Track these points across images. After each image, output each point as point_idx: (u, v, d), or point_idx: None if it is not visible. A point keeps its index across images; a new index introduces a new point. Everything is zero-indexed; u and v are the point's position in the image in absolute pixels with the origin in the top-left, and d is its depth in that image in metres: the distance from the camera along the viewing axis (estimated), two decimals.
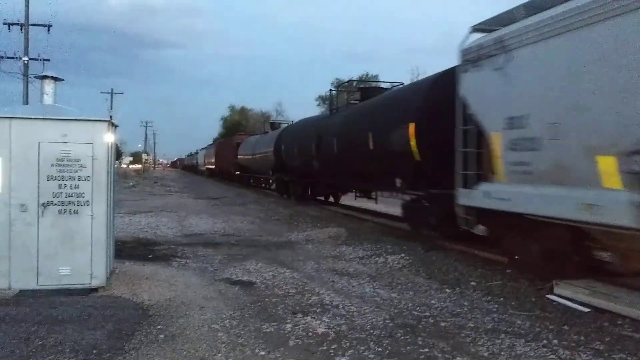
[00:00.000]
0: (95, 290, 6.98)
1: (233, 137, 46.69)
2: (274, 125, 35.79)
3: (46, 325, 5.55)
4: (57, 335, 5.26)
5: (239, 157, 38.26)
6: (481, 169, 8.73)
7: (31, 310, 6.09)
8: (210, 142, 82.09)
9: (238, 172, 40.09)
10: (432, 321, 6.17)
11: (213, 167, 54.71)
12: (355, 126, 15.32)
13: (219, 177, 52.56)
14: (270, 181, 33.26)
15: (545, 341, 5.48)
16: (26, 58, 30.18)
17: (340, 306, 6.69)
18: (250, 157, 34.10)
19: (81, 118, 7.13)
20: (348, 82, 21.75)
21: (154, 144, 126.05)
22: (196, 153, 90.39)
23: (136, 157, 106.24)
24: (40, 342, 5.06)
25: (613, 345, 5.38)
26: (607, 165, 6.18)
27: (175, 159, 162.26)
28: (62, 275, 6.89)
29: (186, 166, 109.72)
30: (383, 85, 19.47)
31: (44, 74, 7.75)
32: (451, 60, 9.90)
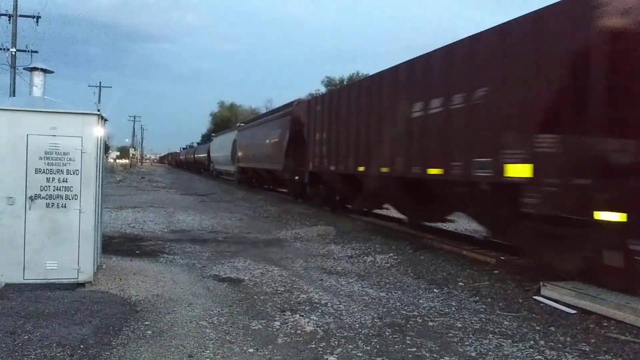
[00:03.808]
0: (82, 285, 6.92)
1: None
2: None
3: (32, 320, 5.49)
4: (43, 330, 5.21)
5: None
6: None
7: (17, 304, 6.02)
8: (199, 140, 73.96)
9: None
10: (420, 321, 6.20)
11: (273, 167, 23.59)
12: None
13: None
14: None
15: (532, 342, 5.52)
16: (14, 49, 29.87)
17: (329, 305, 6.69)
18: None
19: (71, 111, 7.05)
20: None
21: (142, 139, 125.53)
22: (202, 144, 67.20)
23: (123, 152, 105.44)
24: (26, 337, 5.01)
25: (599, 346, 5.43)
26: None
27: (166, 153, 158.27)
28: (49, 269, 6.81)
29: (181, 163, 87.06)
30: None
31: (33, 65, 7.65)
32: None
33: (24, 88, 28.64)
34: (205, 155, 53.62)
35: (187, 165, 76.72)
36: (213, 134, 59.16)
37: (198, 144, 75.23)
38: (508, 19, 8.51)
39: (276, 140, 22.68)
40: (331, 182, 17.18)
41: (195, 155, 65.38)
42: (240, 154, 32.66)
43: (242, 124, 37.30)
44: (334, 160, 15.65)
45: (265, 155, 24.54)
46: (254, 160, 28.17)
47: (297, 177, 20.15)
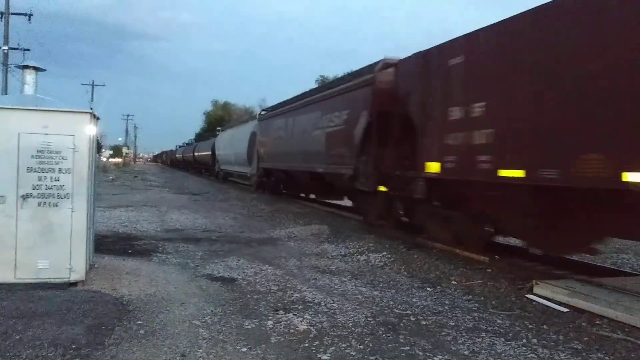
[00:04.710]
0: (74, 284, 6.88)
1: None
2: None
3: (24, 320, 5.45)
4: (35, 330, 5.18)
5: None
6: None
7: (9, 304, 5.98)
8: (193, 138, 68.77)
9: None
10: (413, 319, 6.20)
11: (332, 171, 15.12)
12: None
13: None
14: None
15: (524, 340, 5.54)
16: (6, 47, 29.71)
17: (322, 303, 6.69)
18: None
19: (63, 109, 7.01)
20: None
21: (135, 137, 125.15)
22: (204, 140, 58.04)
23: (116, 151, 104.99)
24: (18, 337, 4.98)
25: (591, 344, 5.45)
26: None
27: (160, 151, 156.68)
28: (41, 268, 6.77)
29: (178, 162, 77.45)
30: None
31: (25, 63, 7.61)
32: None
33: (16, 86, 28.51)
34: (209, 153, 43.76)
35: (185, 164, 67.55)
36: (218, 128, 48.47)
37: (196, 141, 68.16)
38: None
39: (340, 127, 14.64)
40: (490, 202, 9.15)
41: (196, 154, 55.30)
42: (262, 150, 24.55)
43: (263, 112, 27.63)
44: (515, 158, 7.85)
45: (314, 153, 16.67)
46: (289, 159, 19.91)
47: (383, 188, 12.47)
